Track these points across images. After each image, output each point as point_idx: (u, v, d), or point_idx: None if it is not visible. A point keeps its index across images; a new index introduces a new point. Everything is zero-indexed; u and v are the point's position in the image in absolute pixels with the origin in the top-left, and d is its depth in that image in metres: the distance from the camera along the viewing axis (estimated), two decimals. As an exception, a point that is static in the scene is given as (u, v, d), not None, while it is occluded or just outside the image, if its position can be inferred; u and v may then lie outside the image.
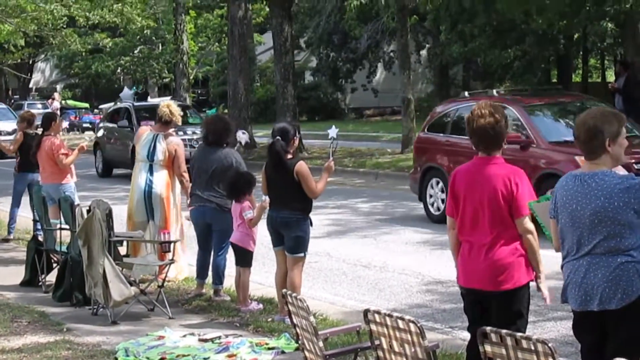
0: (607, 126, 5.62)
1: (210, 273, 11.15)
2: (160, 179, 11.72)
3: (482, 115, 6.44)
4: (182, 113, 12.15)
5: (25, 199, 15.54)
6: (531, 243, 6.40)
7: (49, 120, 13.97)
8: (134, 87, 29.58)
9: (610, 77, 46.98)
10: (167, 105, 11.95)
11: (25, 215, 15.65)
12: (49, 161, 13.68)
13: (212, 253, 11.08)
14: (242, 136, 12.20)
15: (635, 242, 5.52)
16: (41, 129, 14.11)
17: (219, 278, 10.99)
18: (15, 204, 15.76)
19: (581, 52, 41.28)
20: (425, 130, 17.32)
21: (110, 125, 27.88)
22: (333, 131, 10.27)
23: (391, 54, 47.19)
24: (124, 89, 27.89)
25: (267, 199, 9.90)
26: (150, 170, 11.72)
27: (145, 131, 11.97)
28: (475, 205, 6.44)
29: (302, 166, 9.59)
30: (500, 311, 6.37)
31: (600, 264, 5.55)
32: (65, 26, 30.75)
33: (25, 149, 15.22)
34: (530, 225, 6.37)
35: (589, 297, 5.59)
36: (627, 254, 5.51)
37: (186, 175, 11.71)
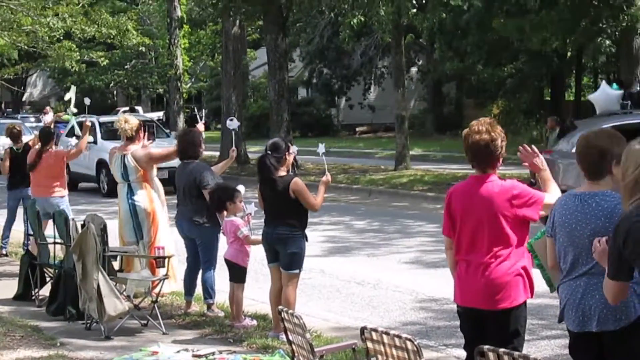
0: (615, 148, 5.57)
1: (200, 289, 11.16)
2: (142, 195, 11.75)
3: (479, 131, 6.39)
4: (138, 124, 11.83)
5: (20, 212, 15.50)
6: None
7: (48, 135, 13.93)
8: (615, 85, 18.46)
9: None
10: (123, 120, 11.94)
11: (20, 229, 15.59)
12: (47, 175, 13.62)
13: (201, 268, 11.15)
14: (230, 123, 12.22)
15: None
16: (39, 144, 14.00)
17: (208, 293, 10.99)
18: (9, 221, 15.69)
19: (574, 71, 41.34)
20: None
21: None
22: (321, 148, 10.33)
23: (383, 69, 47.23)
24: (600, 89, 18.04)
25: (251, 208, 10.07)
26: (130, 189, 11.75)
27: (114, 152, 11.98)
28: (473, 225, 6.40)
29: (297, 183, 9.56)
30: (497, 330, 6.33)
31: (598, 284, 5.46)
32: (61, 38, 30.62)
33: (14, 166, 15.16)
34: (550, 199, 6.35)
35: (586, 318, 5.53)
36: None
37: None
